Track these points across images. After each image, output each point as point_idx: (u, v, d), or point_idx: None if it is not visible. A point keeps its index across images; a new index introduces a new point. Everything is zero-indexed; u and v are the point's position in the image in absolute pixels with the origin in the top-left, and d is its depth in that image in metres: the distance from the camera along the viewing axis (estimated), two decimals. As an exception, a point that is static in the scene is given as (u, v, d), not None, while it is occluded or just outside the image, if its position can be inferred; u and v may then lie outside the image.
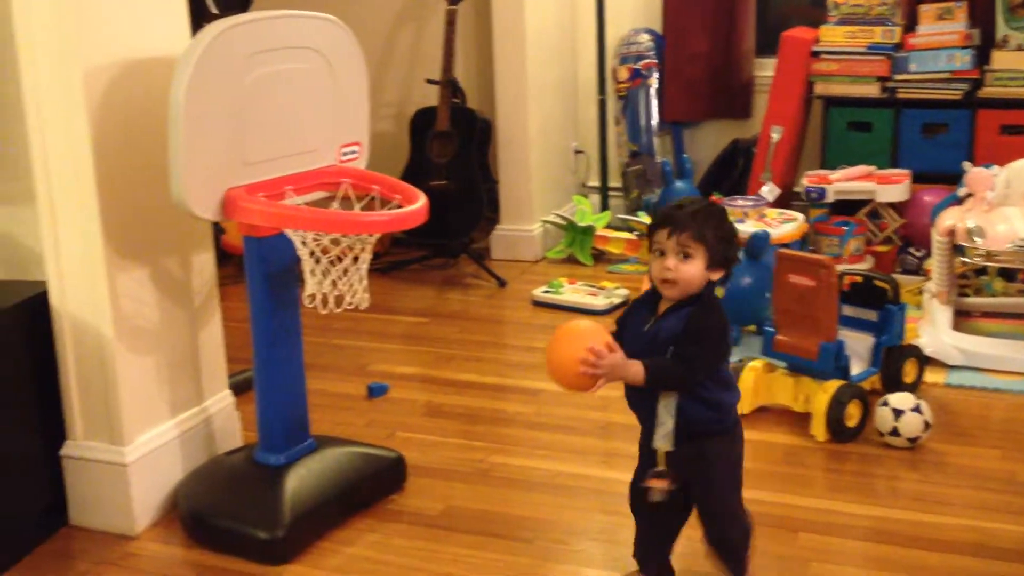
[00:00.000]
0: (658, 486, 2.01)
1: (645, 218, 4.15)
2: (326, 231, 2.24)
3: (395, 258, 4.55)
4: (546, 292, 4.03)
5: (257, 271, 2.41)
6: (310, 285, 2.34)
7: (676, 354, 1.90)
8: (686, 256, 1.91)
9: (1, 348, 2.38)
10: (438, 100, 4.36)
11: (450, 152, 4.33)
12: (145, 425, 2.52)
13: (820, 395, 2.81)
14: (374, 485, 2.58)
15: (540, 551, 2.39)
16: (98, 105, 2.32)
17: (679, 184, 3.60)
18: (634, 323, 2.00)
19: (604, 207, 4.80)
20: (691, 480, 2.02)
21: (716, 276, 1.94)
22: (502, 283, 4.26)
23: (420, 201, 2.34)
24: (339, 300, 2.38)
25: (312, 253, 2.32)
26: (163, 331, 2.56)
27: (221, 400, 2.76)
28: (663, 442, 1.97)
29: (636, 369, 1.89)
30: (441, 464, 2.79)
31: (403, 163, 4.42)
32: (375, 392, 3.24)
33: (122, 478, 2.47)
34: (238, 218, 2.26)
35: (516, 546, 2.40)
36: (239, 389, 2.86)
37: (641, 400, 2.00)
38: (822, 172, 4.12)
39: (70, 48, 2.28)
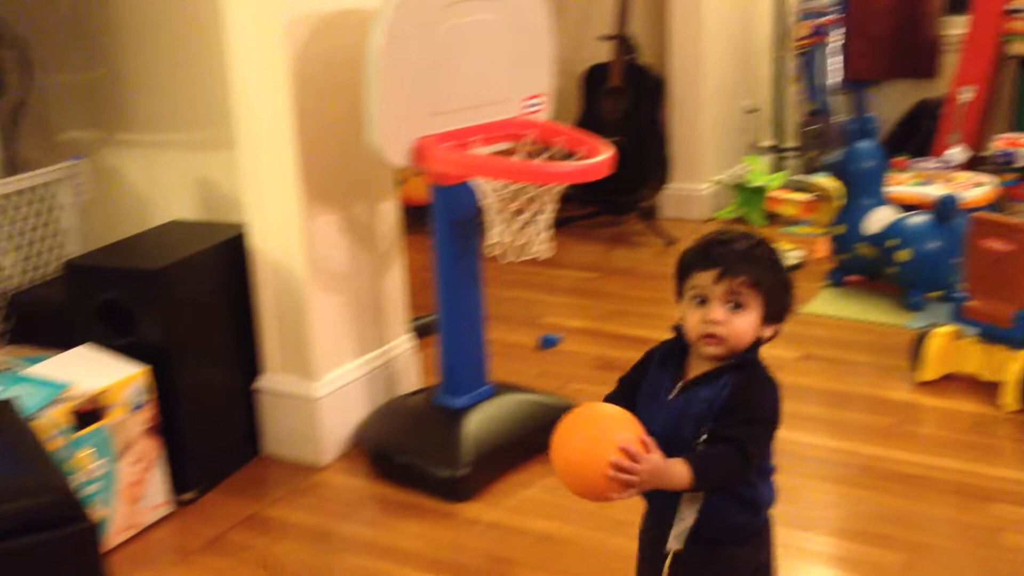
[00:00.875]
0: None
1: (822, 179, 4.05)
2: (514, 180, 2.29)
3: (563, 214, 4.58)
4: (717, 251, 3.99)
5: (443, 219, 2.48)
6: (494, 234, 2.40)
7: (719, 436, 1.44)
8: (738, 306, 1.48)
9: (204, 286, 2.52)
10: (611, 56, 4.36)
11: (622, 109, 4.33)
12: (334, 363, 2.64)
13: (1012, 364, 2.70)
14: (549, 432, 2.62)
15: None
16: (298, 55, 2.42)
17: (863, 144, 3.50)
18: (652, 388, 1.54)
19: (777, 167, 4.71)
20: None
21: (768, 333, 1.52)
22: (671, 242, 4.24)
23: (606, 153, 2.35)
24: (521, 249, 2.43)
25: (497, 202, 2.37)
26: (351, 274, 2.67)
27: (402, 343, 2.86)
28: (676, 542, 1.52)
29: (679, 471, 1.42)
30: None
31: (574, 120, 4.44)
32: (547, 343, 3.29)
33: (312, 412, 2.59)
34: (428, 166, 2.33)
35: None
36: (418, 334, 2.96)
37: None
38: (1014, 135, 3.93)
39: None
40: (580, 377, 3.07)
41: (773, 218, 4.41)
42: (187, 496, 2.47)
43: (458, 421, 2.52)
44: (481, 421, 2.53)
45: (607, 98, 4.35)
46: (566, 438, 1.43)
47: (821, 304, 3.53)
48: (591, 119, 4.38)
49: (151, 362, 2.34)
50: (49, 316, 2.59)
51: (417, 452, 2.51)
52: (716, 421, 1.45)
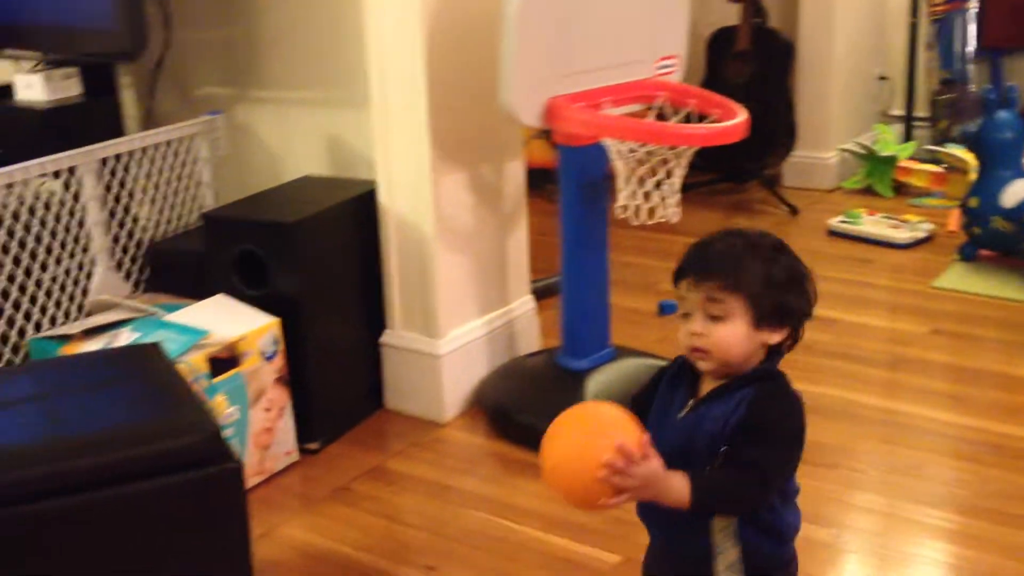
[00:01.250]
0: None
1: (954, 150, 3.92)
2: (648, 142, 2.26)
3: (684, 180, 4.52)
4: (843, 222, 3.90)
5: (571, 180, 2.47)
6: (623, 196, 2.38)
7: (734, 460, 1.31)
8: (714, 317, 1.33)
9: (336, 241, 2.57)
10: (739, 19, 4.26)
11: (748, 73, 4.24)
12: (457, 321, 2.67)
13: None
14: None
15: (843, 478, 2.36)
16: (433, 13, 2.43)
17: (1002, 114, 3.36)
18: (663, 407, 1.41)
19: (907, 137, 4.57)
20: None
21: (775, 339, 1.35)
22: (794, 211, 4.15)
23: (740, 116, 2.31)
24: (651, 213, 2.41)
25: (627, 165, 2.36)
26: (476, 234, 2.68)
27: (524, 304, 2.87)
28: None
29: (678, 486, 1.28)
30: (734, 384, 2.79)
31: (698, 84, 4.37)
32: (666, 310, 3.27)
33: (435, 368, 2.63)
34: (560, 126, 2.32)
35: (818, 471, 2.38)
36: (537, 296, 2.96)
37: (658, 511, 1.33)
38: None
39: (411, -42, 2.40)
40: (700, 344, 3.04)
41: (901, 189, 4.28)
42: (313, 445, 2.53)
43: (579, 382, 2.52)
44: (602, 383, 2.53)
45: (733, 62, 4.27)
46: (558, 434, 1.29)
47: (951, 279, 3.43)
48: (715, 84, 4.30)
49: (282, 314, 2.40)
50: (185, 266, 2.68)
51: (537, 412, 2.51)
52: (731, 442, 1.31)
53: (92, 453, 1.62)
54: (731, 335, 1.32)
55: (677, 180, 2.38)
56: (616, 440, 1.24)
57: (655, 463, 1.27)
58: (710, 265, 1.34)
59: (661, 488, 1.27)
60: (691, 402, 1.37)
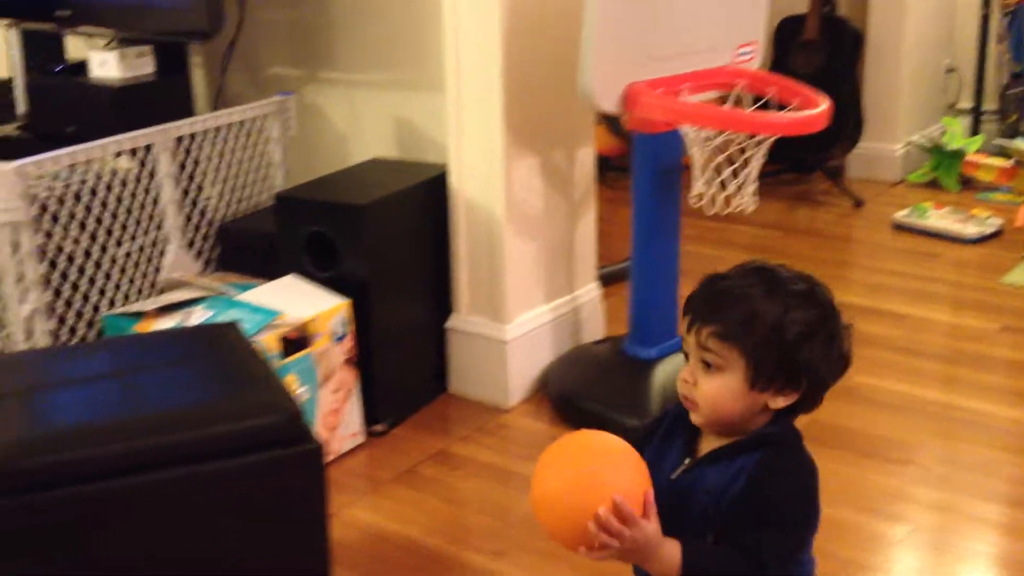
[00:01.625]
0: None
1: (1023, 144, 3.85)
2: (728, 129, 2.23)
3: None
4: (909, 215, 3.84)
5: (645, 168, 2.45)
6: (699, 184, 2.36)
7: (732, 539, 1.16)
8: (709, 366, 1.17)
9: (406, 224, 2.57)
10: (807, 8, 4.20)
11: (816, 63, 4.17)
12: (524, 306, 2.66)
13: None
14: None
15: (904, 472, 2.33)
16: (510, -3, 2.42)
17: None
18: (654, 456, 1.24)
19: (975, 131, 4.48)
20: None
21: (779, 403, 1.17)
22: (859, 203, 4.10)
23: (822, 105, 2.27)
24: (726, 202, 2.38)
25: (703, 153, 2.33)
26: (546, 219, 2.67)
27: (590, 291, 2.86)
28: None
29: (668, 558, 1.14)
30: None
31: (763, 73, 4.31)
32: (732, 300, 3.23)
33: (501, 354, 2.62)
34: (640, 112, 2.30)
35: (879, 465, 2.35)
36: (604, 282, 2.94)
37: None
38: None
39: (489, -60, 2.38)
40: (766, 336, 3.01)
41: (968, 183, 4.21)
42: (378, 428, 2.53)
43: (647, 371, 2.51)
44: (670, 372, 2.51)
45: (800, 52, 4.20)
46: (556, 463, 1.15)
47: (1021, 275, 3.36)
48: (782, 73, 4.24)
49: (350, 296, 2.40)
50: (255, 246, 2.69)
51: (604, 400, 2.51)
52: (728, 520, 1.16)
53: (171, 431, 1.63)
54: (722, 390, 1.16)
55: (755, 169, 2.34)
56: (617, 491, 1.09)
57: (651, 528, 1.12)
58: (710, 307, 1.17)
59: (649, 555, 1.14)
60: (687, 461, 1.22)
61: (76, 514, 1.55)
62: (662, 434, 1.26)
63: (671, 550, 1.14)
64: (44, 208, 2.36)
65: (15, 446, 1.53)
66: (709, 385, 1.16)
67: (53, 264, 2.38)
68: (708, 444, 1.21)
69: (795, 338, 1.15)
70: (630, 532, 1.10)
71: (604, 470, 1.12)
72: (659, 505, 1.16)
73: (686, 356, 1.20)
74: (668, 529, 1.16)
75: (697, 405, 1.19)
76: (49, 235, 2.37)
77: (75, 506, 1.54)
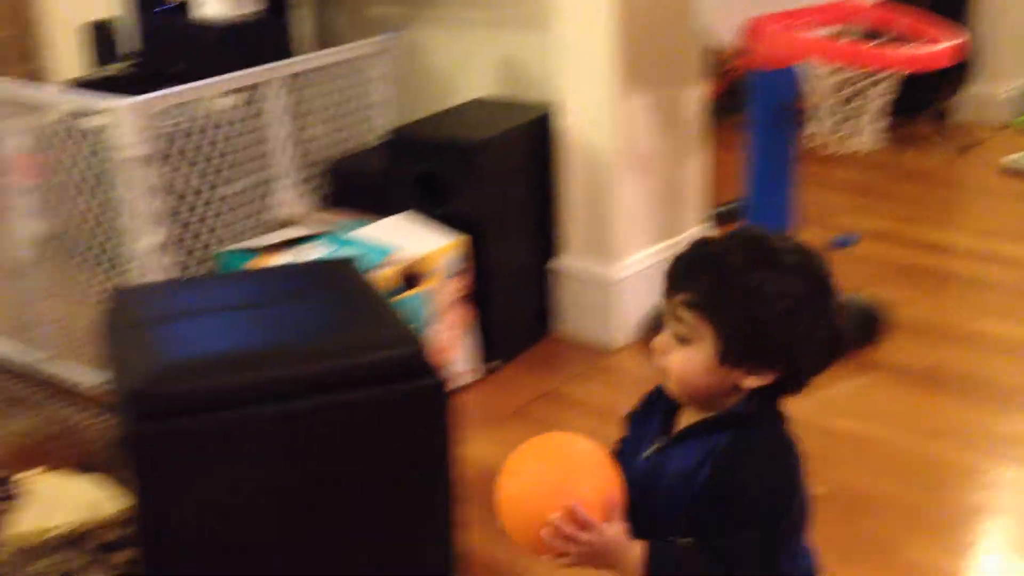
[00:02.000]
0: None
1: None
2: (853, 64, 2.17)
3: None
4: (1018, 160, 3.72)
5: (762, 105, 2.40)
6: (816, 123, 2.30)
7: (700, 535, 1.08)
8: (682, 339, 1.10)
9: (515, 163, 2.55)
10: (916, -56, 4.06)
11: (924, 3, 4.03)
12: (632, 247, 2.63)
13: None
14: (855, 329, 2.55)
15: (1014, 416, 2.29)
16: (624, -70, 2.37)
17: None
18: (634, 440, 1.20)
19: (1089, 72, 4.31)
20: None
21: (751, 382, 1.08)
22: (964, 147, 3.98)
23: (949, 40, 2.19)
24: (844, 141, 2.32)
25: (822, 90, 2.27)
26: (656, 160, 2.63)
27: (699, 232, 2.82)
28: None
29: (633, 562, 1.08)
30: (921, 323, 2.69)
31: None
32: (841, 243, 3.17)
33: (608, 294, 2.60)
34: (761, 46, 2.24)
35: (986, 406, 2.31)
36: (719, 221, 2.90)
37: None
38: None
39: None
40: (880, 281, 2.94)
41: (1079, 128, 4.06)
42: (492, 365, 2.54)
43: (758, 313, 2.47)
44: (782, 315, 2.47)
45: (907, -10, 4.06)
46: (517, 469, 1.11)
47: None
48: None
49: (462, 233, 2.40)
50: (365, 184, 2.69)
51: (714, 342, 2.48)
52: (693, 508, 1.08)
53: (305, 361, 1.64)
54: (688, 363, 1.08)
55: (877, 107, 2.28)
56: (576, 497, 1.05)
57: (613, 531, 1.06)
58: (686, 273, 1.09)
59: (612, 561, 1.08)
60: (661, 439, 1.14)
61: (216, 440, 1.57)
62: (643, 408, 1.21)
63: (636, 555, 1.08)
64: (162, 145, 2.38)
65: (160, 372, 1.56)
66: (678, 356, 1.09)
67: (166, 202, 2.41)
68: (685, 419, 1.14)
69: (771, 314, 1.05)
70: (586, 537, 1.05)
71: (565, 477, 1.09)
72: (632, 488, 1.10)
73: (663, 323, 1.13)
74: (639, 514, 1.10)
75: (667, 375, 1.12)
76: (163, 172, 2.40)
77: (216, 432, 1.57)
